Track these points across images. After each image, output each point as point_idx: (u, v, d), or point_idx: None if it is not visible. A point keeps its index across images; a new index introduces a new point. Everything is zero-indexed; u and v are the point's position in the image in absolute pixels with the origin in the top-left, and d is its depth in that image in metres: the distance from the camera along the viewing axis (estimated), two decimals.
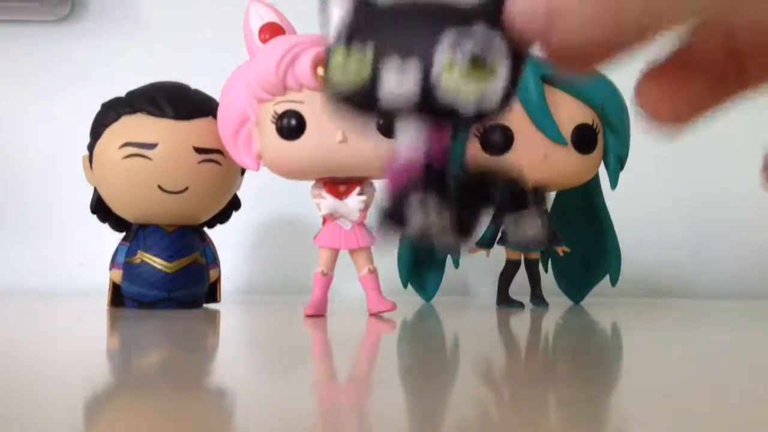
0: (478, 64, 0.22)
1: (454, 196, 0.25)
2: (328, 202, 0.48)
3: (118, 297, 0.55)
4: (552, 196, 0.59)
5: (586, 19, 0.17)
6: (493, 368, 0.28)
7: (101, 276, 0.55)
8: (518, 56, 0.24)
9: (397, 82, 0.22)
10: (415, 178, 0.25)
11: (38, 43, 0.79)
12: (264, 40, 0.47)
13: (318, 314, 0.48)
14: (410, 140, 0.26)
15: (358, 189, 0.48)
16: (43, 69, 0.79)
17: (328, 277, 0.49)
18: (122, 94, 0.55)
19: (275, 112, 0.46)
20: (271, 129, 0.47)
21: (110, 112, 0.53)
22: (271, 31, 0.48)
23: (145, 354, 0.35)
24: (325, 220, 0.49)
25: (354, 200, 0.48)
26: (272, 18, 0.48)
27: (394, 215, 0.25)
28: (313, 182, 0.49)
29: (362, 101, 0.23)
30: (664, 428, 0.18)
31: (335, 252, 0.49)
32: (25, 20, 0.78)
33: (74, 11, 0.79)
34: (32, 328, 0.46)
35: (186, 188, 0.53)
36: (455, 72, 0.22)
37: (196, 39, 0.78)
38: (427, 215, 0.25)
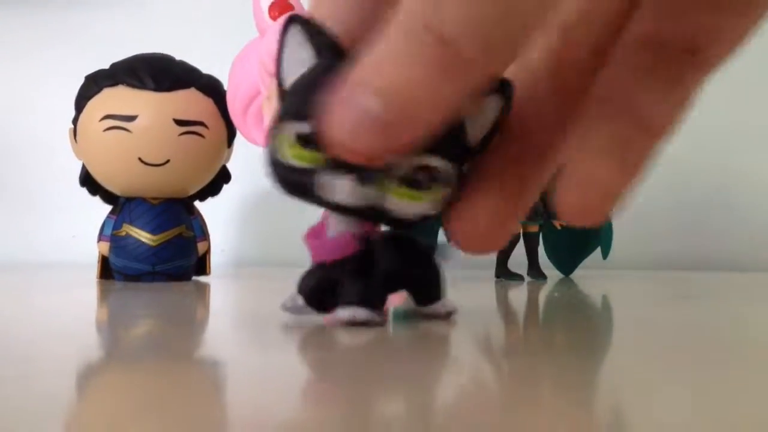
0: (415, 187, 0.24)
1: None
2: None
3: (107, 270, 0.55)
4: None
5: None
6: (491, 339, 0.28)
7: (94, 248, 0.55)
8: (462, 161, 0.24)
9: (333, 189, 0.23)
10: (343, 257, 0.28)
11: (32, 14, 0.78)
12: (274, 17, 0.48)
13: None
14: (343, 222, 0.28)
15: None
16: (36, 40, 0.78)
17: None
18: None
19: None
20: None
21: (92, 85, 0.53)
22: (281, 7, 0.48)
23: (135, 326, 0.34)
24: None
25: None
26: None
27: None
28: None
29: (305, 187, 0.23)
30: (659, 398, 0.18)
31: None
32: None
33: None
34: (23, 301, 0.45)
35: (167, 161, 0.52)
36: (392, 191, 0.24)
37: (192, 10, 0.77)
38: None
